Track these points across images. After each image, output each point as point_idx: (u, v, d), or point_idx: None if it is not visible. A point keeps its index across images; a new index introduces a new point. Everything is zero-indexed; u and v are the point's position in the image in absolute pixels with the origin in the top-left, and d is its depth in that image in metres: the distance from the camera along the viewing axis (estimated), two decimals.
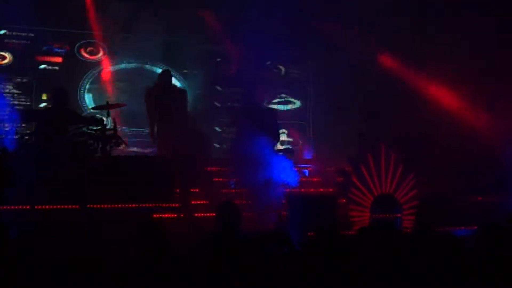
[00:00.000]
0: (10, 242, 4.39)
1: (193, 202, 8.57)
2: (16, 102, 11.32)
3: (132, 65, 12.01)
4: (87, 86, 11.93)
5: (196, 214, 8.31)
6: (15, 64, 11.46)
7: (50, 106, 8.92)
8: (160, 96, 9.60)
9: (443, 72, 11.01)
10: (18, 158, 7.72)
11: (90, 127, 8.76)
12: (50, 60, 11.71)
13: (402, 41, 11.43)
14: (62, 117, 8.64)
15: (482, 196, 9.56)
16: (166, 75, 9.99)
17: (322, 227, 4.55)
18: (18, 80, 11.45)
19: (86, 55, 11.98)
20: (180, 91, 10.15)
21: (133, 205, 7.92)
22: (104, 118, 8.75)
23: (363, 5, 10.99)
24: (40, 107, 11.25)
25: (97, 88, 12.00)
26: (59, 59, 11.78)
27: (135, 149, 11.52)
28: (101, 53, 12.07)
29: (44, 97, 11.43)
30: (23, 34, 11.55)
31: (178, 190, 8.61)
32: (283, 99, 13.11)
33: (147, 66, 12.31)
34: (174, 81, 10.92)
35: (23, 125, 9.15)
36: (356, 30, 11.43)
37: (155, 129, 9.48)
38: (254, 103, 9.45)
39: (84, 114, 11.34)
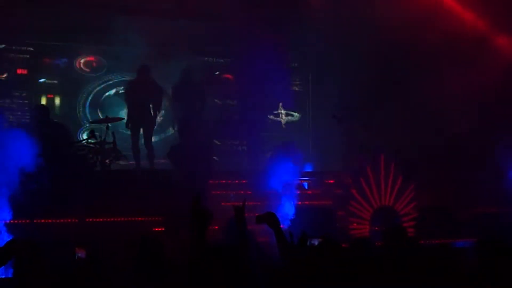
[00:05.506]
0: None
1: None
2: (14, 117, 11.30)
3: (131, 78, 12.00)
4: (86, 99, 11.92)
5: None
6: (14, 78, 11.46)
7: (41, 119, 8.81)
8: (135, 91, 10.09)
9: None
10: None
11: (90, 140, 8.79)
12: (49, 74, 11.71)
13: None
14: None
15: (482, 207, 9.53)
16: (141, 71, 10.18)
17: (326, 237, 4.54)
18: (17, 94, 11.44)
19: (85, 68, 11.98)
20: (156, 87, 10.43)
21: (132, 219, 7.90)
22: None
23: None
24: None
25: (96, 102, 12.00)
26: (58, 73, 11.78)
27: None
28: (99, 66, 12.07)
29: None
30: (23, 48, 11.55)
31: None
32: (281, 112, 13.09)
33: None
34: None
35: None
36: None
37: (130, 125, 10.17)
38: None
39: (83, 128, 11.34)
